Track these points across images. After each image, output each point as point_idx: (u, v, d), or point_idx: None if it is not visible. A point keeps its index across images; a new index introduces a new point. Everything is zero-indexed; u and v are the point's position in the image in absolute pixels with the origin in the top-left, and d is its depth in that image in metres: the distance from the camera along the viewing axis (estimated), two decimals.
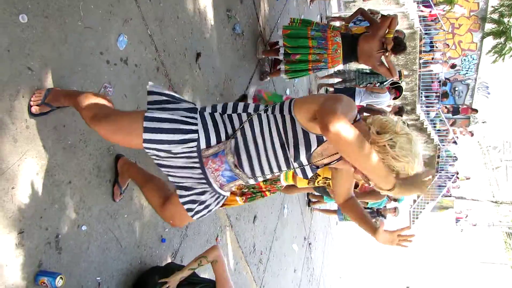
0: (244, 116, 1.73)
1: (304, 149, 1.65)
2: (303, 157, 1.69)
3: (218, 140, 1.71)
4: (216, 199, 1.95)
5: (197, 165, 1.74)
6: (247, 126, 1.71)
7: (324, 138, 1.64)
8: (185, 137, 1.66)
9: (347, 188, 2.10)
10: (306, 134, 1.64)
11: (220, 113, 1.76)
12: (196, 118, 1.70)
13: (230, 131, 1.73)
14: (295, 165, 1.73)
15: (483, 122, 13.88)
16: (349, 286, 11.11)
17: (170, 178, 1.86)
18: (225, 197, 2.00)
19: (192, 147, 1.69)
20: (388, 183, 1.49)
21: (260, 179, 1.83)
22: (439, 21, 10.65)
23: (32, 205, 1.85)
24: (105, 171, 2.34)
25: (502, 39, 6.03)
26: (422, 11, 10.51)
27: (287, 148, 1.69)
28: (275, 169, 1.76)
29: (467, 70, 13.67)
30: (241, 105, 1.79)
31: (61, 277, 1.83)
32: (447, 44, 12.32)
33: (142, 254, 2.63)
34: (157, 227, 2.81)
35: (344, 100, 1.57)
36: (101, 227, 2.28)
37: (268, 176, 1.82)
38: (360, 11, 5.31)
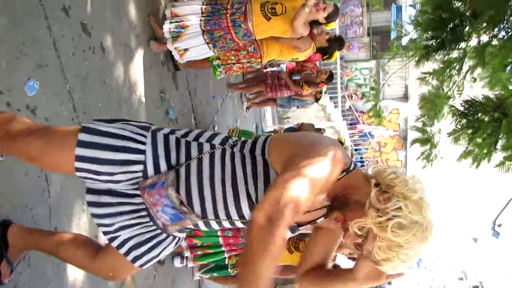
0: (207, 147, 1.42)
1: None
2: None
3: (169, 167, 1.38)
4: (165, 241, 1.54)
5: (138, 192, 1.39)
6: (205, 160, 1.38)
7: None
8: (129, 157, 1.34)
9: (325, 251, 1.57)
10: None
11: (177, 137, 1.44)
12: (146, 136, 1.40)
13: (183, 159, 1.40)
14: None
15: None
16: None
17: (99, 211, 1.47)
18: (179, 239, 1.60)
19: (137, 171, 1.36)
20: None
21: (214, 224, 1.44)
22: (368, 138, 11.41)
23: None
24: None
25: (427, 146, 6.37)
26: (353, 128, 11.26)
27: (254, 200, 1.34)
28: (235, 217, 1.40)
29: None
30: (207, 134, 1.48)
31: None
32: (376, 161, 13.05)
33: None
34: None
35: (333, 149, 1.24)
36: None
37: (226, 223, 1.43)
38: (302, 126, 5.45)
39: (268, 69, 8.64)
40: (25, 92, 2.08)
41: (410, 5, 11.73)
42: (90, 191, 1.48)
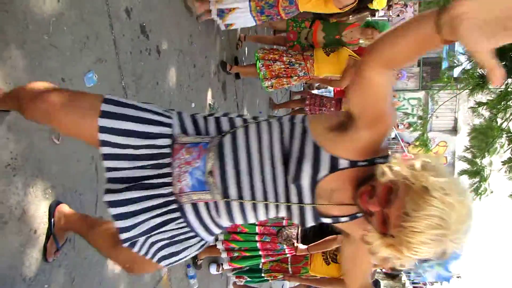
0: (239, 121, 1.38)
1: (310, 168, 1.21)
2: (305, 182, 1.23)
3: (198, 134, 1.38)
4: (190, 240, 1.44)
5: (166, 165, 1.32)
6: (240, 132, 1.32)
7: (339, 165, 1.21)
8: (154, 130, 1.30)
9: (363, 271, 1.50)
10: (317, 150, 1.22)
11: (204, 116, 1.42)
12: (172, 113, 1.38)
13: (213, 133, 1.37)
14: (293, 196, 1.27)
15: (458, 277, 13.34)
16: None
17: (123, 210, 1.34)
18: (205, 243, 1.50)
19: (163, 145, 1.31)
20: None
21: (248, 209, 1.32)
22: None
23: None
24: (31, 217, 1.84)
25: (477, 179, 6.05)
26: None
27: (290, 165, 1.26)
28: (271, 194, 1.29)
29: None
30: (234, 114, 1.45)
31: None
32: None
33: None
34: None
35: None
36: None
37: (260, 209, 1.32)
38: None
39: (315, 91, 8.60)
40: (84, 82, 2.16)
41: None
42: (110, 191, 1.37)
